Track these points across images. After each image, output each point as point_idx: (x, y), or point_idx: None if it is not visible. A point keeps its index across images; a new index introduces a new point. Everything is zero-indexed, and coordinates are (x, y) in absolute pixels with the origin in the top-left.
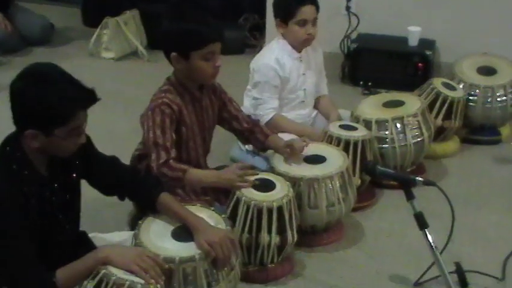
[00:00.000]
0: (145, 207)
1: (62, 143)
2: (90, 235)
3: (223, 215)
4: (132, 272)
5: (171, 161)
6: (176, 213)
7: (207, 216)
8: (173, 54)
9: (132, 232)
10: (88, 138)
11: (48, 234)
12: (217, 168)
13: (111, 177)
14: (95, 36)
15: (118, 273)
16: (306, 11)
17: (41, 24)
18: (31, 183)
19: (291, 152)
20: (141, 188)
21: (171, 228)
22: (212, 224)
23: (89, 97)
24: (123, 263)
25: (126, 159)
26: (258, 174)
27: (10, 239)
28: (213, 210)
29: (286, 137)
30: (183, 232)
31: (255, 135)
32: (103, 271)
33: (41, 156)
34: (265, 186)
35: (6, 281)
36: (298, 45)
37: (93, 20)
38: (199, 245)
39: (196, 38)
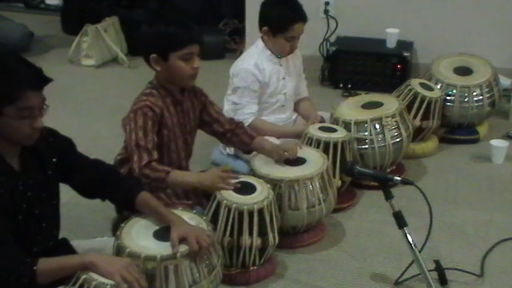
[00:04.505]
0: (125, 207)
1: (14, 124)
2: (72, 242)
3: (204, 217)
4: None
5: (153, 162)
6: (155, 210)
7: (188, 218)
8: (152, 55)
9: (113, 238)
10: (70, 142)
11: (25, 232)
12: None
13: (94, 178)
14: (74, 43)
15: (98, 277)
16: (298, 28)
17: (21, 33)
18: (0, 173)
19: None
20: (122, 186)
21: (153, 229)
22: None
23: (37, 77)
24: (108, 271)
25: None
26: (238, 178)
27: None
28: (194, 213)
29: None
30: (165, 232)
31: (239, 137)
32: (83, 276)
33: (10, 147)
34: (246, 189)
35: None
36: (279, 54)
37: (72, 28)
38: (171, 238)
39: (175, 40)
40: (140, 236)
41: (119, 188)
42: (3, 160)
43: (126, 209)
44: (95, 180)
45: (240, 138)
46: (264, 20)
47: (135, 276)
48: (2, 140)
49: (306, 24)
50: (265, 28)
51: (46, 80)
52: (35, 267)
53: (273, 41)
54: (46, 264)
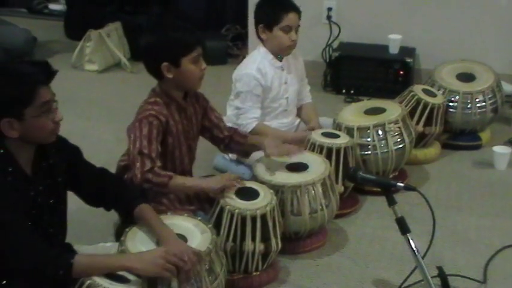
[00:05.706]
0: (125, 217)
1: (38, 122)
2: (75, 247)
3: (209, 225)
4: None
5: (156, 168)
6: (149, 224)
7: (193, 225)
8: (164, 64)
9: (117, 243)
10: (77, 150)
11: None
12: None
13: (98, 188)
14: (78, 48)
15: (103, 283)
16: (291, 17)
17: (24, 38)
18: (15, 179)
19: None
20: (123, 198)
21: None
22: (198, 233)
23: (45, 71)
24: (151, 272)
25: (110, 170)
26: (242, 184)
27: (8, 220)
28: (199, 220)
29: None
30: None
31: (234, 139)
32: (88, 281)
33: (26, 152)
34: (249, 194)
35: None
36: (281, 52)
37: (75, 33)
38: None
39: (185, 44)
40: (144, 243)
41: (121, 199)
42: (18, 165)
43: (128, 219)
44: (100, 190)
45: (235, 140)
46: (258, 18)
47: (173, 262)
48: (21, 143)
49: (308, 30)
50: (260, 26)
51: (53, 72)
52: (72, 260)
53: (271, 38)
54: (82, 259)
